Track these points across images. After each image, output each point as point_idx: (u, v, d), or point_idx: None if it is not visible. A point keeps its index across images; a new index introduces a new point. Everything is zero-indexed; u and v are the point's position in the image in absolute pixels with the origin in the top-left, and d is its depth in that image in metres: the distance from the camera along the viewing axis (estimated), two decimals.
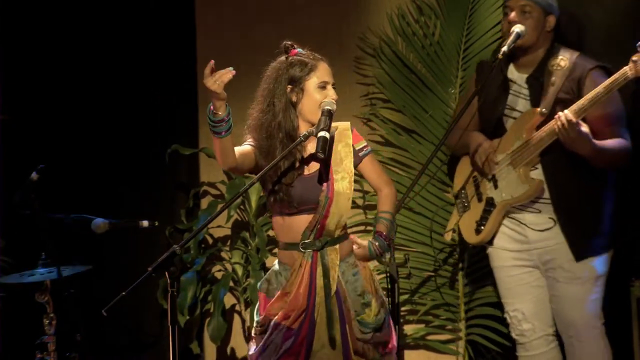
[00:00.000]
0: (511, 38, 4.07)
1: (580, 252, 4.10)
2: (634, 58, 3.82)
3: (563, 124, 3.92)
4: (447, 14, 4.94)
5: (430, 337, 5.00)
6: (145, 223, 4.26)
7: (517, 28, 4.08)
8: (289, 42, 3.56)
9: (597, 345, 4.16)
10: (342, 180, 3.53)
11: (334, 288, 3.51)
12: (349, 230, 3.65)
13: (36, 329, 4.23)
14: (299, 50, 3.55)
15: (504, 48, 4.05)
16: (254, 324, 3.60)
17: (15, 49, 5.04)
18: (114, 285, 3.33)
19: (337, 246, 3.54)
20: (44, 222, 4.11)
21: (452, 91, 4.93)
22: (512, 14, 4.13)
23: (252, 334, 3.61)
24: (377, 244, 3.59)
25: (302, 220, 3.52)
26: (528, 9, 4.12)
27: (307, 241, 3.51)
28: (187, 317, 4.96)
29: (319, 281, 3.50)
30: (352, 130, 3.60)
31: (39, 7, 5.11)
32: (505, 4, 4.20)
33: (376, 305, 3.54)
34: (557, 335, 4.30)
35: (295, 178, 3.51)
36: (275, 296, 3.53)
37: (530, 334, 4.28)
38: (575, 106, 3.95)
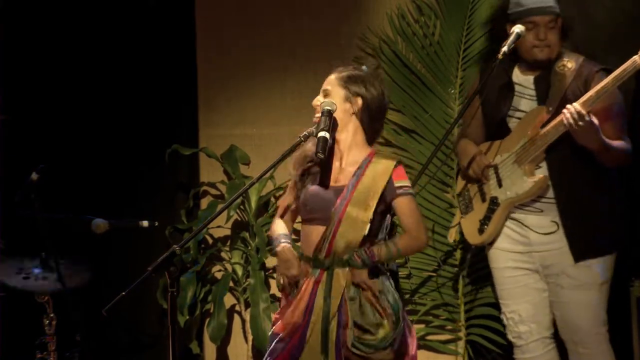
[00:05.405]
0: (511, 38, 4.04)
1: (579, 253, 4.06)
2: None
3: (572, 115, 3.88)
4: (447, 14, 4.94)
5: (430, 337, 4.99)
6: (145, 223, 4.27)
7: (518, 29, 4.06)
8: None
9: (601, 352, 4.13)
10: (358, 207, 3.45)
11: (333, 310, 3.42)
12: None
13: (36, 329, 4.23)
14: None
15: (504, 48, 4.02)
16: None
17: (15, 49, 5.04)
18: (114, 285, 3.33)
19: (347, 269, 3.45)
20: (44, 222, 4.11)
21: (452, 91, 4.93)
22: (542, 33, 4.04)
23: None
24: (360, 257, 3.45)
25: (316, 232, 3.49)
26: (552, 24, 4.06)
27: (318, 259, 3.48)
28: (187, 317, 4.95)
29: (319, 300, 3.45)
30: (397, 167, 3.52)
31: (39, 7, 5.11)
32: (527, 20, 4.05)
33: (388, 324, 3.43)
34: (555, 338, 4.27)
35: (310, 182, 3.52)
36: (282, 307, 3.55)
37: (527, 337, 4.23)
38: (583, 98, 3.91)
